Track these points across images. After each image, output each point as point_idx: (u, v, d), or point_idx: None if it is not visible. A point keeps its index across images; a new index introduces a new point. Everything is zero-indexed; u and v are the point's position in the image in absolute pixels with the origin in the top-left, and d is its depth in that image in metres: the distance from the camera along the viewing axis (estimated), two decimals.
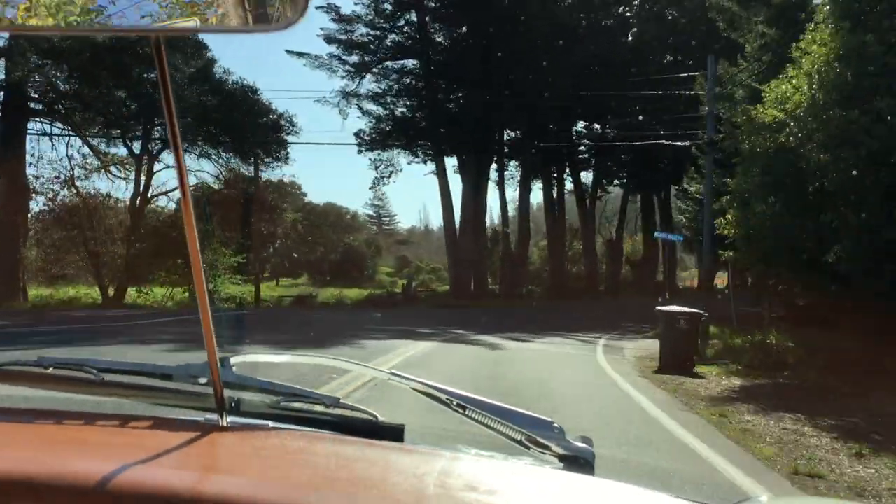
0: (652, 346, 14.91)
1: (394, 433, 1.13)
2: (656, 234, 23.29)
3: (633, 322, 23.28)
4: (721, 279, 55.46)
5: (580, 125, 44.61)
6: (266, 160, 31.73)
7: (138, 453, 0.87)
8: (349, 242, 59.47)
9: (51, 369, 1.17)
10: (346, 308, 30.58)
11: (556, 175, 44.45)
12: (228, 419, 1.06)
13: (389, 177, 39.44)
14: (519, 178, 43.55)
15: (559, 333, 19.22)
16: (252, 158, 30.82)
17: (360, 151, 38.36)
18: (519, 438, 1.08)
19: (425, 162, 39.56)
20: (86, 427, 1.06)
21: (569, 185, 45.59)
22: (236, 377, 1.13)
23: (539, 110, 36.24)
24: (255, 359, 1.35)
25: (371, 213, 78.84)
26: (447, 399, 1.13)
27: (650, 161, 42.18)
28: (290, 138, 32.48)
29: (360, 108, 38.35)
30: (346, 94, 37.79)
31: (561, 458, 1.06)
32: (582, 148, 44.25)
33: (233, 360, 1.14)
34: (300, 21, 0.76)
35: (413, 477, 0.89)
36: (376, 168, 39.22)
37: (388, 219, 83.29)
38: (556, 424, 1.09)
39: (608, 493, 0.93)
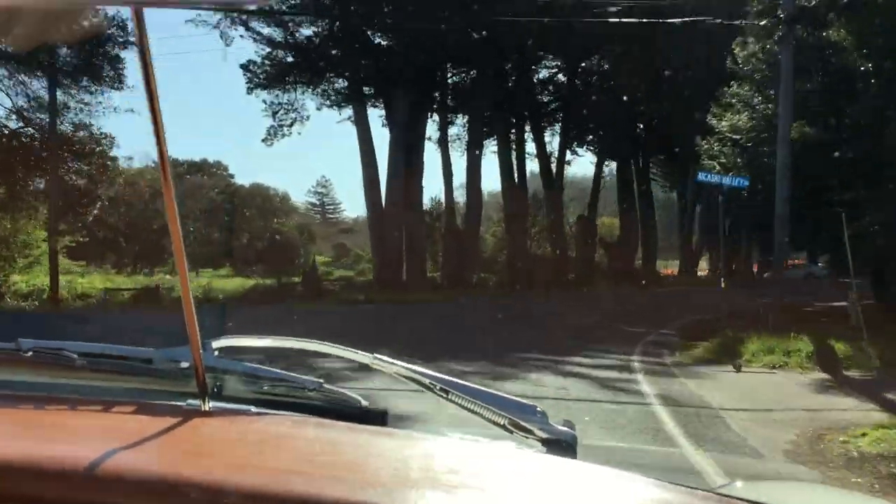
0: (753, 385, 8.66)
1: (377, 417, 1.15)
2: (700, 177, 14.05)
3: (639, 325, 15.73)
4: (703, 267, 47.45)
5: (544, 73, 35.36)
6: (82, 82, 20.92)
7: (120, 438, 0.86)
8: (278, 228, 54.78)
9: (30, 353, 1.15)
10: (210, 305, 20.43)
11: (514, 134, 34.86)
12: (211, 404, 1.04)
13: (291, 125, 29.20)
14: (467, 137, 33.76)
15: (541, 357, 9.91)
16: (57, 79, 20.07)
17: (249, 90, 28.15)
18: (502, 422, 1.08)
19: (340, 106, 29.41)
20: (67, 412, 1.05)
21: (530, 149, 36.01)
22: (218, 361, 1.14)
23: (496, 38, 26.60)
24: (237, 342, 1.30)
25: (314, 201, 74.38)
26: (430, 383, 1.13)
27: (629, 119, 33.54)
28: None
29: (247, 28, 27.93)
30: (229, 9, 27.26)
31: (544, 441, 1.06)
32: (548, 98, 34.85)
33: (214, 344, 1.17)
34: None
35: (396, 460, 0.90)
36: (273, 114, 28.93)
37: (332, 207, 77.82)
38: (539, 408, 1.09)
39: (589, 476, 0.94)
